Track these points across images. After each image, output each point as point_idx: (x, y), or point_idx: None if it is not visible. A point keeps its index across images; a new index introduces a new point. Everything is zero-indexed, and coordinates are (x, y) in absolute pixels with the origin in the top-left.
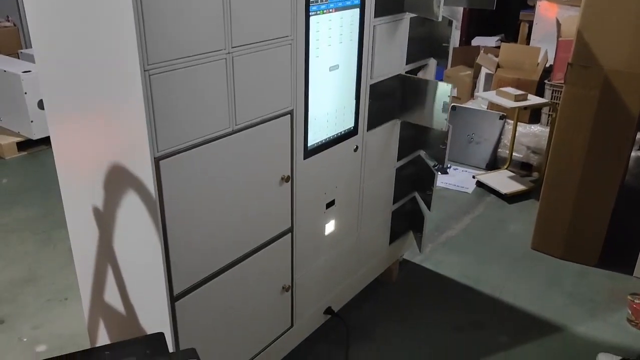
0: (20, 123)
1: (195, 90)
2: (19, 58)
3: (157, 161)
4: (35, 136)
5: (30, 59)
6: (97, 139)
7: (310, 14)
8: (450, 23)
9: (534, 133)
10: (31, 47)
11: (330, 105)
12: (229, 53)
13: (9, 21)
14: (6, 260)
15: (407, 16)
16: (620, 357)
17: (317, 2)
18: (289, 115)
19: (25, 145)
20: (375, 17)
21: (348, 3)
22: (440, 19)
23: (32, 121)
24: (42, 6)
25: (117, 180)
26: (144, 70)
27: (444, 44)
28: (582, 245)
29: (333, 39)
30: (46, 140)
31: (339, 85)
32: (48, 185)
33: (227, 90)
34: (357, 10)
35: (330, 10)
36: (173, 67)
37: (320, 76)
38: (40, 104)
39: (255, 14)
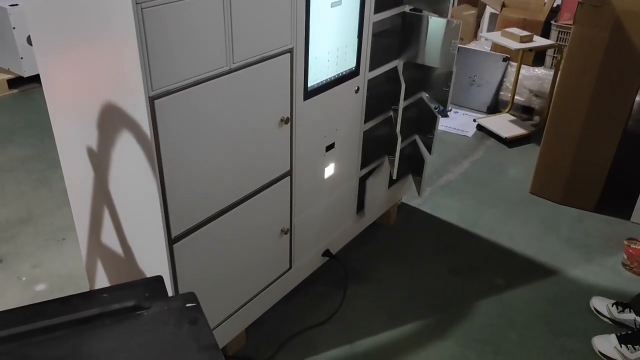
0: (9, 60)
1: (190, 26)
2: None
3: (151, 100)
4: (26, 73)
5: None
6: (89, 77)
7: None
8: None
9: (538, 76)
10: None
11: (332, 44)
12: None
13: None
14: (3, 200)
15: None
16: (613, 301)
17: None
18: (289, 53)
19: (16, 83)
20: None
21: None
22: None
23: (22, 58)
24: None
25: (111, 119)
26: (137, 4)
27: None
28: (581, 190)
29: None
30: (38, 78)
31: (341, 22)
32: (41, 124)
33: (224, 26)
34: None
35: None
36: (167, 0)
37: (321, 12)
38: (30, 40)
39: None
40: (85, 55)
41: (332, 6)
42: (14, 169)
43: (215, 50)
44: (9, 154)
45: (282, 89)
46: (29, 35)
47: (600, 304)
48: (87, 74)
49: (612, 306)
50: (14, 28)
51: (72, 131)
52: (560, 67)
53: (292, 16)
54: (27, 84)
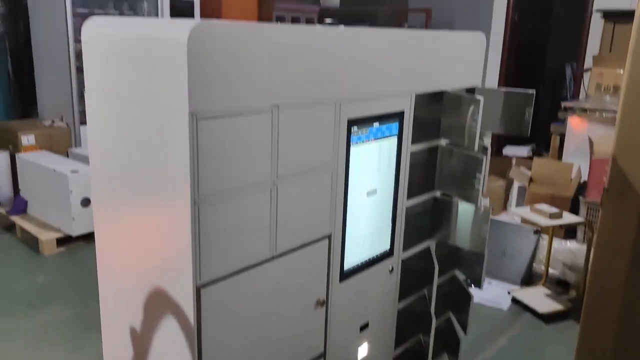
0: (62, 220)
1: (240, 220)
2: (68, 156)
3: (198, 289)
4: (75, 233)
5: (79, 157)
6: (141, 252)
7: (351, 145)
8: (485, 150)
9: (570, 250)
10: (80, 146)
11: (367, 228)
12: (274, 183)
13: (62, 121)
14: None
15: (443, 142)
16: None
17: (357, 133)
18: (327, 239)
19: (64, 241)
20: (412, 143)
21: (387, 133)
22: (476, 149)
23: (73, 218)
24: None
25: (157, 303)
26: (194, 203)
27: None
28: None
29: (371, 166)
30: (84, 237)
31: (376, 208)
32: (83, 284)
33: (269, 219)
34: (395, 139)
35: (370, 140)
36: (221, 199)
37: (358, 201)
38: (83, 202)
39: (300, 149)
40: (141, 237)
41: (368, 195)
42: (50, 332)
43: (261, 240)
44: (48, 315)
45: (319, 272)
46: (84, 198)
47: None
48: (140, 247)
49: None
50: (71, 192)
51: (118, 303)
52: (592, 248)
53: (331, 205)
54: (74, 242)
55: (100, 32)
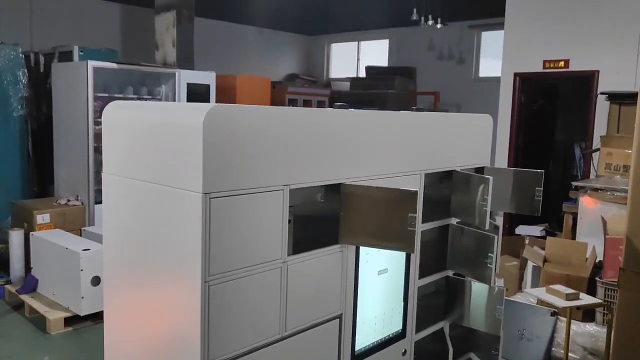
0: (71, 299)
1: (249, 299)
2: (81, 235)
3: None
4: (83, 312)
5: (92, 236)
6: (150, 336)
7: None
8: (496, 229)
9: (590, 333)
10: (94, 224)
11: (379, 308)
12: (284, 262)
13: (77, 200)
14: None
15: (453, 221)
16: None
17: None
18: (338, 319)
19: (71, 320)
20: (422, 222)
21: None
22: (487, 227)
23: (82, 297)
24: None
25: None
26: (204, 282)
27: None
28: None
29: None
30: (92, 317)
31: (387, 288)
32: None
33: (279, 298)
34: None
35: None
36: (231, 278)
37: (369, 280)
38: (93, 281)
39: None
40: (149, 306)
41: (378, 274)
42: None
43: (271, 320)
44: None
45: (329, 353)
46: (94, 277)
47: None
48: (148, 326)
49: None
50: (82, 270)
51: None
52: (613, 332)
53: (342, 285)
54: (81, 322)
55: (120, 115)
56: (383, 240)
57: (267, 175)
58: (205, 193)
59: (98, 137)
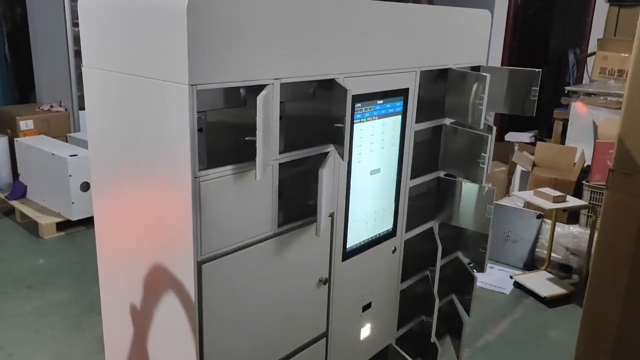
0: (61, 204)
1: (240, 194)
2: (67, 141)
3: (199, 265)
4: (75, 217)
5: (78, 142)
6: (142, 236)
7: (355, 122)
8: (490, 129)
9: (573, 234)
10: (79, 131)
11: (370, 208)
12: (276, 160)
13: (61, 106)
14: (35, 347)
15: (447, 121)
16: None
17: (361, 110)
18: (330, 217)
19: (63, 225)
20: (416, 122)
21: (390, 111)
22: (481, 127)
23: (73, 203)
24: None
25: (157, 279)
26: (195, 177)
27: (482, 154)
28: (632, 358)
29: (375, 145)
30: (84, 222)
31: (379, 188)
32: (82, 266)
33: (271, 195)
34: (399, 117)
35: (374, 117)
36: (222, 174)
37: (361, 180)
38: (83, 187)
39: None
40: (139, 207)
41: (371, 174)
42: (50, 314)
43: (262, 216)
44: (48, 297)
45: (322, 250)
46: (83, 182)
47: None
48: (139, 226)
49: None
50: (70, 176)
51: (117, 282)
52: (597, 231)
53: (334, 184)
54: (74, 227)
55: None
56: None
57: (257, 67)
58: (192, 85)
59: (78, 40)
